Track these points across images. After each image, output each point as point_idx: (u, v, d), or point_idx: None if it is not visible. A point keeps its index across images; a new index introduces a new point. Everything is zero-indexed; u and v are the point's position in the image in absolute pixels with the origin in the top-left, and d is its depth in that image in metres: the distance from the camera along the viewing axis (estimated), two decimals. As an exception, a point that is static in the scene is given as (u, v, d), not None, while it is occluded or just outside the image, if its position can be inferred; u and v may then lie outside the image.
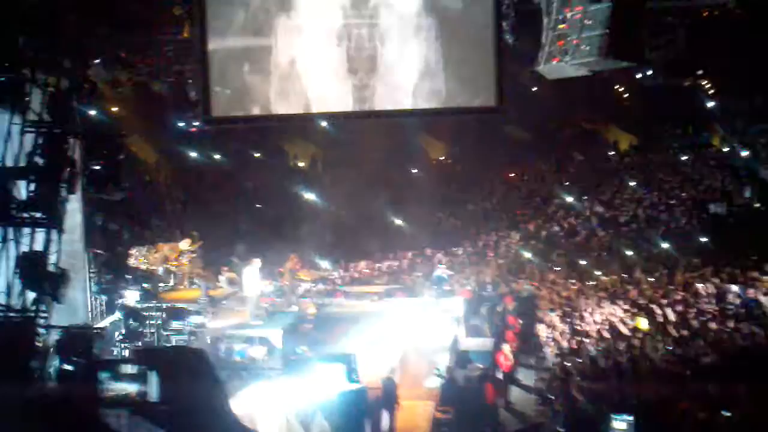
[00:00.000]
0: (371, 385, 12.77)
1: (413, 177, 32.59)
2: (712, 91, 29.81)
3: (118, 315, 15.65)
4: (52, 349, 11.10)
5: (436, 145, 34.95)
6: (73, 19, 13.08)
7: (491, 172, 33.97)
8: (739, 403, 12.09)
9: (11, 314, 11.31)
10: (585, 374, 14.55)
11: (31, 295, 11.37)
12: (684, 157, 32.95)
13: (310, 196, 30.10)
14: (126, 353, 13.74)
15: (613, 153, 35.44)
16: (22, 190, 12.00)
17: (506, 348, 16.22)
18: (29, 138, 12.24)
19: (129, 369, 5.97)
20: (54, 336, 11.44)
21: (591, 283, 22.10)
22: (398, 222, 29.09)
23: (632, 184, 31.45)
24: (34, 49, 12.30)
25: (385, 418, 12.67)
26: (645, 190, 30.22)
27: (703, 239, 25.51)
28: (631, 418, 10.83)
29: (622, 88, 31.54)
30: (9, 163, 11.96)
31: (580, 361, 15.35)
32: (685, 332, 16.41)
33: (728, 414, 11.72)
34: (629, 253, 25.05)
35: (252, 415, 11.03)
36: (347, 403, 11.97)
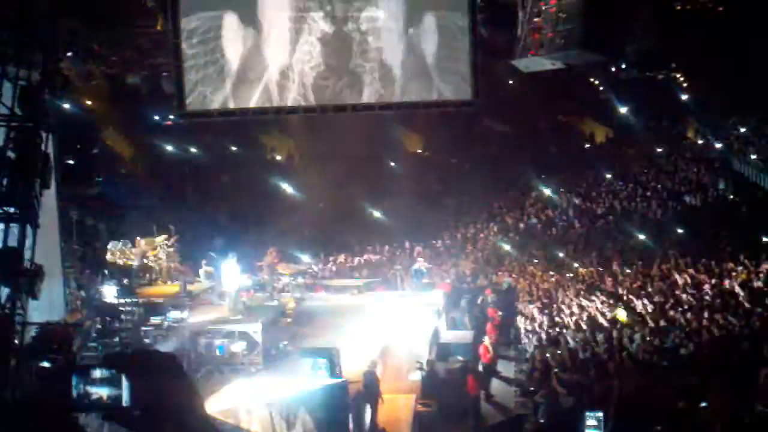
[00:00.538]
0: (353, 378, 12.72)
1: (391, 170, 32.57)
2: (685, 84, 30.13)
3: (95, 311, 15.49)
4: (28, 347, 10.95)
5: (414, 138, 34.95)
6: (44, 11, 12.83)
7: (468, 165, 34.03)
8: (716, 393, 12.18)
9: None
10: (564, 366, 14.60)
11: (5, 291, 11.19)
12: (659, 149, 33.25)
13: (287, 189, 29.97)
14: (100, 355, 13.54)
15: (588, 145, 35.68)
16: (-6, 184, 11.79)
17: (487, 340, 16.24)
18: (1, 132, 12.04)
19: (101, 373, 5.81)
20: (30, 333, 11.27)
21: (569, 275, 22.21)
22: (377, 215, 29.07)
23: (608, 176, 31.71)
24: (3, 41, 12.07)
25: (367, 412, 12.64)
26: (620, 182, 30.47)
27: (679, 230, 25.73)
28: (600, 414, 10.87)
29: (597, 81, 31.73)
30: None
31: (560, 352, 15.39)
32: (662, 323, 16.52)
33: (705, 404, 11.79)
34: (606, 244, 25.23)
35: (234, 411, 10.96)
36: (329, 397, 11.91)
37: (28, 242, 11.71)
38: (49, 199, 13.91)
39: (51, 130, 12.84)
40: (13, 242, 11.55)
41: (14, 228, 11.76)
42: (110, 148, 24.98)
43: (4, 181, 11.72)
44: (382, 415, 12.95)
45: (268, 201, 28.80)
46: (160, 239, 19.91)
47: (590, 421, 10.87)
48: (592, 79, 31.38)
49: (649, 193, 29.02)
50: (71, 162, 15.35)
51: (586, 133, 36.23)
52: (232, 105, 16.72)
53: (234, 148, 31.54)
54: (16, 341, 10.92)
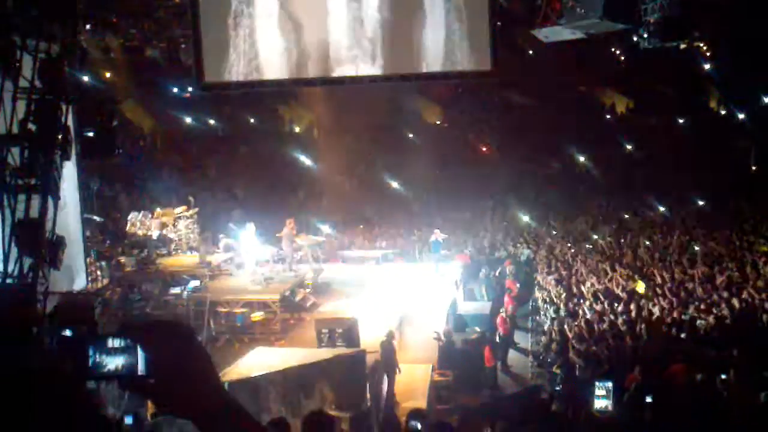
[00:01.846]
0: (370, 348, 12.78)
1: (410, 141, 32.42)
2: (708, 54, 29.60)
3: (115, 281, 15.67)
4: (50, 316, 11.13)
5: (433, 109, 34.72)
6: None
7: (487, 136, 33.83)
8: (734, 367, 12.14)
9: (9, 281, 11.31)
10: (581, 337, 14.60)
11: (28, 262, 11.36)
12: (680, 120, 32.85)
13: (306, 161, 29.95)
14: (116, 325, 13.71)
15: (609, 116, 35.30)
16: (16, 156, 11.90)
17: (504, 311, 16.26)
18: (22, 105, 12.13)
19: (115, 342, 5.71)
20: (52, 302, 11.45)
21: (588, 246, 22.11)
22: (395, 186, 29.01)
23: (628, 147, 31.41)
24: (23, 15, 12.11)
25: (384, 381, 12.71)
26: (641, 153, 30.20)
27: (700, 202, 25.53)
28: (609, 383, 10.88)
29: (618, 51, 31.26)
30: (2, 130, 11.86)
31: (577, 324, 15.39)
32: (681, 295, 16.47)
33: (723, 377, 11.74)
34: (626, 216, 25.09)
35: (252, 380, 11.07)
36: (347, 367, 11.99)
37: (49, 213, 11.88)
38: (69, 170, 14.05)
39: (71, 103, 12.94)
40: (34, 213, 11.72)
41: (36, 199, 11.93)
42: (130, 121, 25.07)
43: (26, 153, 11.86)
44: (399, 384, 13.02)
45: (287, 173, 28.83)
46: (180, 210, 20.05)
47: (600, 391, 10.88)
48: (612, 49, 30.91)
49: (669, 164, 28.72)
50: (91, 134, 15.43)
51: (606, 103, 35.81)
52: (250, 77, 16.68)
53: (253, 120, 31.54)
54: (38, 311, 11.15)
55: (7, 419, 1.17)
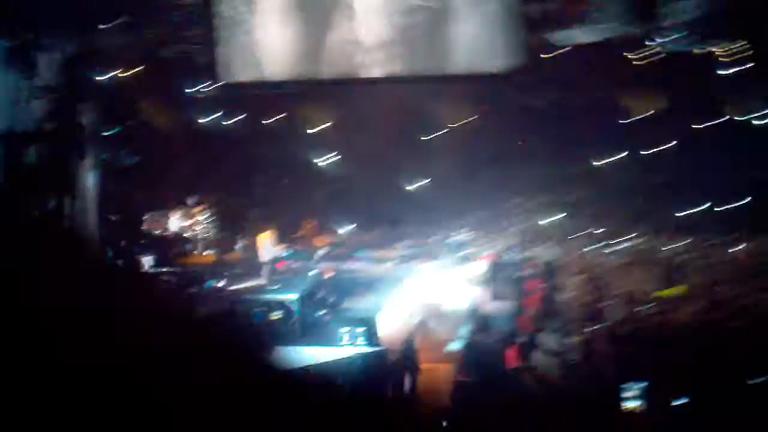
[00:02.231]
0: (391, 348, 12.58)
1: (428, 142, 32.17)
2: (727, 60, 29.17)
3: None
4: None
5: (450, 111, 34.43)
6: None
7: (508, 138, 33.49)
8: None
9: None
10: (608, 339, 14.31)
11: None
12: (700, 126, 32.35)
13: (323, 161, 29.77)
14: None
15: (626, 121, 34.86)
16: (33, 155, 11.84)
17: (529, 312, 15.96)
18: (39, 104, 12.07)
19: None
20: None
21: (614, 248, 21.79)
22: (415, 187, 28.76)
23: (647, 151, 30.91)
24: (39, 15, 12.06)
25: (406, 381, 12.49)
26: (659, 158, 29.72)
27: (723, 206, 25.08)
28: (644, 385, 10.63)
29: (635, 55, 30.87)
30: (20, 129, 11.80)
31: (603, 325, 15.09)
32: (714, 299, 16.13)
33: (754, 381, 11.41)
34: (649, 218, 24.74)
35: (270, 377, 10.85)
36: (367, 366, 11.79)
37: (66, 212, 11.78)
38: (86, 169, 13.94)
39: (87, 102, 12.86)
40: (52, 207, 11.61)
41: (53, 198, 11.84)
42: (146, 120, 25.02)
43: (43, 152, 11.79)
44: (421, 384, 12.81)
45: (304, 173, 28.64)
46: (196, 210, 19.92)
47: (632, 392, 10.66)
48: (629, 54, 30.54)
49: (696, 165, 28.26)
50: (108, 133, 15.39)
51: (623, 108, 35.40)
52: (268, 77, 16.49)
53: (270, 120, 31.36)
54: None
55: None
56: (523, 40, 17.19)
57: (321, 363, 11.42)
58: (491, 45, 15.59)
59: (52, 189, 11.85)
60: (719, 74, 29.11)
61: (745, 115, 31.68)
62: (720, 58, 28.56)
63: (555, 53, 24.88)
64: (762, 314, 14.75)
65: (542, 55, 26.46)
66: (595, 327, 15.01)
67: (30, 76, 12.10)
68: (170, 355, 1.42)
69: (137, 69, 21.04)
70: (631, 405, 11.13)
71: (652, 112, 34.08)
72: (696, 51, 27.04)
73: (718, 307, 15.19)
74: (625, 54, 29.99)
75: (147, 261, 16.62)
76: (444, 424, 7.48)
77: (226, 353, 1.41)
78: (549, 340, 16.56)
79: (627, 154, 30.76)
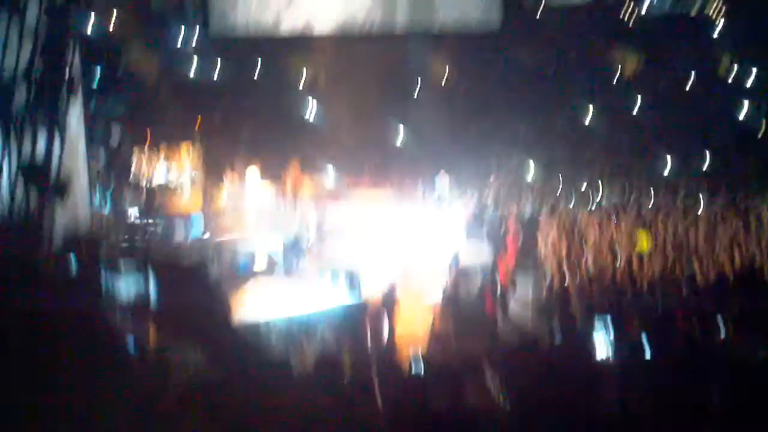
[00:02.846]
0: (372, 298, 12.88)
1: (416, 96, 32.16)
2: (721, 17, 29.26)
3: (119, 223, 15.71)
4: (56, 255, 11.19)
5: (439, 65, 34.34)
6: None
7: (493, 93, 33.49)
8: (734, 323, 12.19)
9: (15, 220, 11.37)
10: (583, 291, 14.68)
11: (34, 201, 11.41)
12: (690, 82, 32.50)
13: (311, 112, 29.76)
14: (128, 260, 13.84)
15: (618, 77, 34.92)
16: (23, 95, 11.91)
17: (506, 264, 16.33)
18: (28, 44, 12.10)
19: (130, 274, 5.97)
20: (58, 240, 11.52)
21: (593, 202, 22.14)
22: (400, 140, 28.86)
23: (637, 106, 31.11)
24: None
25: (385, 331, 12.82)
26: (650, 113, 29.93)
27: (708, 162, 25.44)
28: (611, 334, 10.99)
29: (628, 12, 30.84)
30: (9, 67, 11.84)
31: (579, 278, 15.47)
32: (683, 251, 16.53)
33: (723, 336, 11.81)
34: (633, 174, 25.06)
35: (254, 324, 11.17)
36: (348, 316, 12.11)
37: (55, 150, 11.91)
38: (75, 108, 14.03)
39: (77, 41, 12.89)
40: (41, 150, 11.73)
41: (42, 137, 11.95)
42: (135, 67, 24.86)
43: (32, 91, 11.86)
44: (400, 335, 13.14)
45: (292, 123, 28.65)
46: (185, 151, 19.97)
47: (600, 342, 10.98)
48: (621, 10, 30.50)
49: (678, 124, 28.51)
50: (97, 73, 15.42)
51: (615, 64, 35.41)
52: (256, 27, 16.49)
53: (258, 70, 31.19)
54: (44, 250, 11.22)
55: (31, 351, 1.21)
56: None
57: (302, 314, 11.74)
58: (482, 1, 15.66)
59: (42, 127, 11.95)
60: (708, 33, 29.31)
61: (729, 72, 31.98)
62: (708, 16, 28.73)
63: (546, 10, 24.99)
64: (734, 272, 15.18)
65: (533, 12, 26.57)
66: (571, 280, 15.39)
67: (18, 22, 12.09)
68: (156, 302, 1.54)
69: (128, 15, 20.92)
70: (602, 353, 11.49)
71: (640, 70, 34.32)
72: (685, 9, 27.20)
73: (687, 261, 15.61)
74: (615, 12, 30.09)
75: (133, 209, 16.78)
76: (419, 371, 7.84)
77: (208, 301, 1.52)
78: (526, 291, 17.00)
79: (613, 112, 31.01)
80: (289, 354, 10.90)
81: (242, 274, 15.14)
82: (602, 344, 11.06)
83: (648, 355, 11.21)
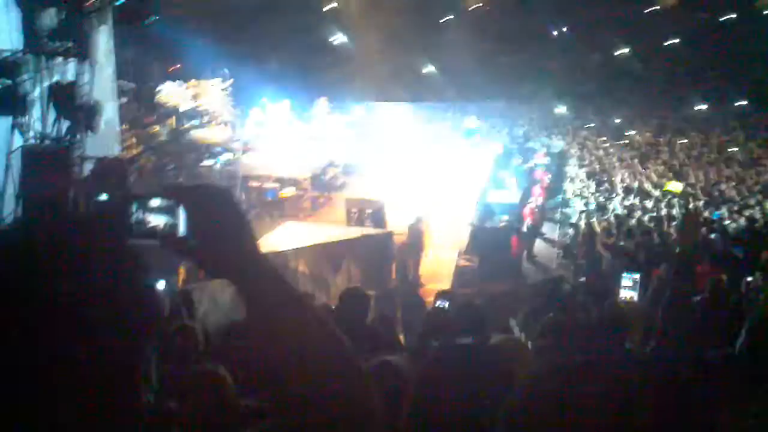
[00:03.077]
0: (399, 231, 12.90)
1: (447, 24, 31.55)
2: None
3: (149, 150, 15.78)
4: (85, 179, 11.31)
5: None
6: None
7: (526, 23, 32.76)
8: (761, 269, 12.10)
9: (46, 143, 11.44)
10: (610, 231, 14.61)
11: (65, 125, 11.45)
12: (728, 16, 31.52)
13: (341, 38, 29.36)
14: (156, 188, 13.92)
15: (655, 8, 33.91)
16: (52, 18, 11.80)
17: (533, 202, 16.23)
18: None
19: (159, 202, 5.75)
20: (88, 167, 11.60)
21: (624, 141, 21.82)
22: (430, 69, 28.48)
23: (674, 41, 30.33)
24: None
25: (410, 263, 12.90)
26: (686, 49, 29.18)
27: (742, 102, 24.88)
28: (637, 276, 10.93)
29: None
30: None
31: (606, 218, 15.39)
32: (713, 195, 16.34)
33: (750, 279, 11.74)
34: (665, 112, 24.60)
35: (282, 253, 11.28)
36: (374, 246, 12.15)
37: (85, 77, 11.87)
38: (104, 36, 13.93)
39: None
40: (70, 77, 11.71)
41: (72, 63, 11.90)
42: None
43: (63, 16, 11.76)
44: (425, 267, 13.21)
45: (321, 49, 28.33)
46: (213, 82, 19.85)
47: (626, 282, 10.95)
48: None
49: (713, 62, 27.81)
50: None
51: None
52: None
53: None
54: (75, 174, 11.32)
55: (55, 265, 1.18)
56: None
57: (329, 242, 11.79)
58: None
59: (71, 53, 11.87)
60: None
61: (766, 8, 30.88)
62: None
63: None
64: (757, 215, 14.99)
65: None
66: (597, 218, 15.32)
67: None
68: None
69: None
70: (627, 294, 11.50)
71: (675, 3, 33.29)
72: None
73: (717, 205, 15.43)
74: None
75: (163, 132, 16.79)
76: (444, 306, 7.86)
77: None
78: (552, 230, 16.97)
79: (649, 46, 30.25)
80: (315, 282, 11.02)
81: (269, 201, 15.18)
82: (628, 283, 11.04)
83: (670, 301, 11.24)
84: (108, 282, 1.18)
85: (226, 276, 1.38)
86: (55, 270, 1.15)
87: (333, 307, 6.26)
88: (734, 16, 31.02)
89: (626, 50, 29.90)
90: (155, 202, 1.45)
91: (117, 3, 14.03)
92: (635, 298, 10.73)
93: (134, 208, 1.45)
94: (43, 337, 1.11)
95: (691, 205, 15.41)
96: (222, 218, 1.41)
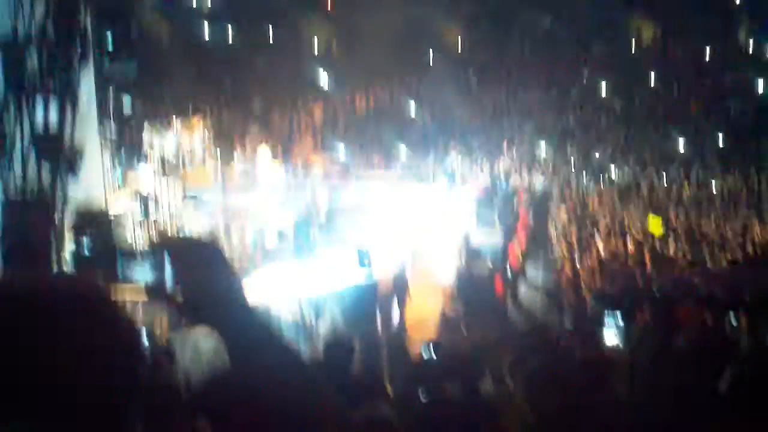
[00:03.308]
0: (382, 277, 12.83)
1: (429, 64, 31.87)
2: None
3: (131, 191, 15.66)
4: (69, 224, 11.18)
5: (453, 32, 33.98)
6: None
7: (507, 61, 33.15)
8: (745, 310, 12.15)
9: (27, 188, 11.32)
10: (593, 273, 14.65)
11: (46, 168, 11.36)
12: (707, 50, 32.07)
13: (324, 77, 29.52)
14: (141, 235, 13.81)
15: (634, 44, 34.50)
16: (34, 60, 11.79)
17: (516, 244, 16.25)
18: (40, 7, 11.96)
19: (145, 254, 5.66)
20: (70, 211, 11.49)
21: (605, 179, 21.97)
22: (412, 109, 28.66)
23: (652, 76, 30.78)
24: None
25: (394, 311, 12.82)
26: (665, 84, 29.63)
27: (721, 137, 25.18)
28: (621, 319, 10.93)
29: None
30: (20, 32, 11.71)
31: (589, 260, 15.42)
32: (695, 236, 16.44)
33: (734, 323, 11.78)
34: (646, 148, 24.84)
35: (263, 299, 11.16)
36: (358, 295, 12.06)
37: (67, 118, 11.82)
38: (86, 77, 13.90)
39: (89, 6, 12.72)
40: (53, 117, 11.65)
41: (53, 108, 11.85)
42: (146, 28, 24.64)
43: (44, 56, 11.74)
44: (410, 314, 13.14)
45: (304, 89, 28.46)
46: (196, 121, 19.86)
47: (610, 327, 10.95)
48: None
49: (693, 97, 28.26)
50: (108, 37, 15.28)
51: (632, 31, 34.95)
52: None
53: (271, 33, 30.91)
54: (56, 220, 11.20)
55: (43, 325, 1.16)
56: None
57: (312, 293, 11.69)
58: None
59: (53, 95, 11.84)
60: (726, 4, 28.76)
61: (746, 46, 31.46)
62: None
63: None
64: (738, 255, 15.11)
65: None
66: (581, 260, 15.35)
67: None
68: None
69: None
70: (612, 339, 11.48)
71: (660, 38, 33.84)
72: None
73: (698, 245, 15.53)
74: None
75: (145, 171, 16.68)
76: (431, 354, 7.82)
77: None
78: (536, 271, 16.95)
79: (629, 81, 30.65)
80: (299, 335, 10.91)
81: (253, 250, 15.07)
82: (611, 330, 11.03)
83: (657, 344, 11.21)
84: (93, 337, 1.17)
85: (213, 327, 1.37)
86: (38, 325, 1.13)
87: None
88: (715, 50, 31.67)
89: (606, 87, 30.29)
90: (141, 253, 1.46)
91: (99, 46, 14.09)
92: (620, 343, 10.72)
93: (120, 260, 1.46)
94: (27, 394, 1.08)
95: (668, 248, 15.49)
96: (209, 271, 1.42)
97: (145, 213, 15.11)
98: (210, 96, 22.02)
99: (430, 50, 31.52)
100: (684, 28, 31.59)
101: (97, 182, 14.48)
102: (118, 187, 15.60)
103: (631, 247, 15.80)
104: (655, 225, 16.90)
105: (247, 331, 1.36)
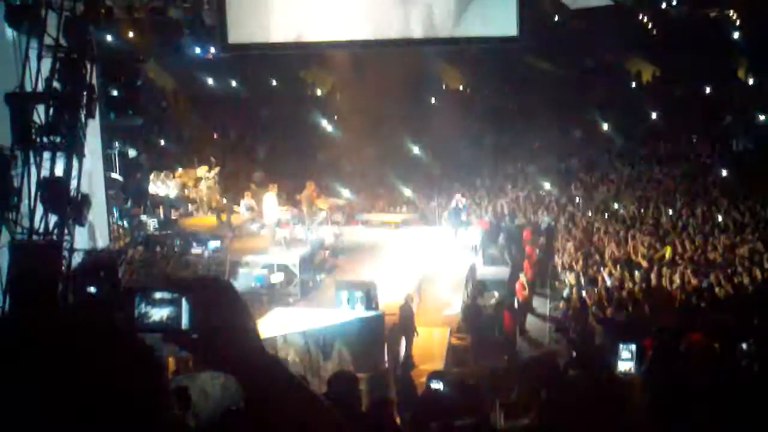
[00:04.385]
0: (389, 312, 12.86)
1: (432, 107, 32.23)
2: (738, 23, 29.03)
3: (137, 240, 15.82)
4: (75, 272, 11.29)
5: (456, 75, 34.42)
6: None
7: (510, 103, 33.49)
8: (754, 335, 12.08)
9: (34, 238, 11.47)
10: (601, 304, 14.62)
11: (53, 219, 11.51)
12: (707, 89, 32.34)
13: (327, 124, 29.89)
14: (156, 279, 13.91)
15: (634, 84, 34.83)
16: (41, 114, 12.01)
17: (523, 277, 16.26)
18: (47, 63, 12.23)
19: (161, 295, 5.73)
20: (76, 260, 11.61)
21: (609, 214, 22.01)
22: (416, 151, 28.90)
23: (653, 116, 31.02)
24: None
25: (402, 345, 12.81)
26: (666, 123, 29.85)
27: (724, 173, 25.27)
28: (633, 346, 10.89)
29: (646, 18, 30.71)
30: (28, 88, 11.96)
31: (597, 290, 15.40)
32: (701, 264, 16.42)
33: (744, 346, 11.69)
34: (648, 185, 24.91)
35: (271, 340, 11.20)
36: (365, 330, 12.09)
37: (74, 171, 12.01)
38: (93, 129, 14.15)
39: (95, 61, 13.00)
40: (59, 171, 11.84)
41: (61, 157, 12.05)
42: (152, 81, 25.07)
43: (51, 111, 11.97)
44: (417, 348, 13.13)
45: (308, 136, 28.80)
46: (201, 171, 20.11)
47: (624, 354, 10.88)
48: (640, 16, 30.35)
49: (695, 135, 28.45)
50: (115, 93, 15.54)
51: (632, 72, 35.32)
52: (273, 39, 16.51)
53: (274, 82, 31.43)
54: (63, 268, 11.31)
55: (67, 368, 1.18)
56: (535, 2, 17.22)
57: (319, 327, 11.73)
58: (502, 8, 15.46)
59: (60, 148, 12.05)
60: (732, 37, 29.02)
61: (754, 79, 31.66)
62: (734, 21, 28.45)
63: (567, 16, 24.91)
64: (746, 282, 15.07)
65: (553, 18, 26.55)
66: (587, 292, 15.32)
67: (38, 35, 12.25)
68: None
69: (144, 28, 21.08)
70: (625, 365, 11.41)
71: (659, 76, 34.16)
72: (708, 13, 26.94)
73: (705, 273, 15.50)
74: (637, 17, 29.92)
75: (151, 222, 16.90)
76: (439, 387, 7.82)
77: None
78: (543, 304, 16.96)
79: (630, 120, 30.87)
80: (305, 368, 10.91)
81: (260, 287, 15.16)
82: (626, 355, 10.97)
83: (665, 371, 11.15)
84: (111, 377, 1.19)
85: (228, 369, 1.39)
86: (46, 367, 1.16)
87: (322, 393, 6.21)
88: (712, 86, 31.94)
89: (608, 125, 30.54)
90: (159, 295, 1.47)
91: (108, 115, 14.39)
92: (633, 369, 10.67)
93: (137, 301, 1.47)
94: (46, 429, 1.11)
95: (675, 276, 15.47)
96: (226, 312, 1.43)
97: (149, 259, 15.23)
98: (215, 145, 22.32)
99: (433, 91, 31.96)
100: (683, 67, 31.93)
101: (102, 230, 14.67)
102: (123, 234, 15.75)
103: (638, 275, 15.79)
104: (661, 254, 16.92)
105: (263, 371, 1.40)
